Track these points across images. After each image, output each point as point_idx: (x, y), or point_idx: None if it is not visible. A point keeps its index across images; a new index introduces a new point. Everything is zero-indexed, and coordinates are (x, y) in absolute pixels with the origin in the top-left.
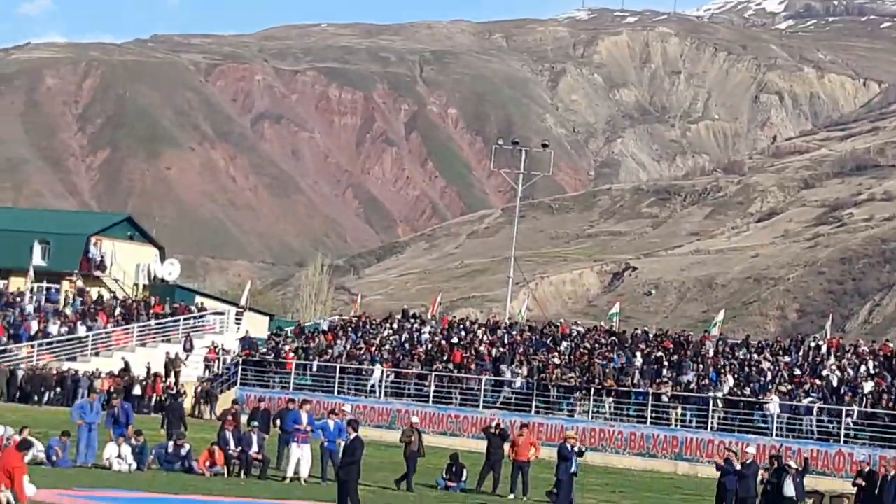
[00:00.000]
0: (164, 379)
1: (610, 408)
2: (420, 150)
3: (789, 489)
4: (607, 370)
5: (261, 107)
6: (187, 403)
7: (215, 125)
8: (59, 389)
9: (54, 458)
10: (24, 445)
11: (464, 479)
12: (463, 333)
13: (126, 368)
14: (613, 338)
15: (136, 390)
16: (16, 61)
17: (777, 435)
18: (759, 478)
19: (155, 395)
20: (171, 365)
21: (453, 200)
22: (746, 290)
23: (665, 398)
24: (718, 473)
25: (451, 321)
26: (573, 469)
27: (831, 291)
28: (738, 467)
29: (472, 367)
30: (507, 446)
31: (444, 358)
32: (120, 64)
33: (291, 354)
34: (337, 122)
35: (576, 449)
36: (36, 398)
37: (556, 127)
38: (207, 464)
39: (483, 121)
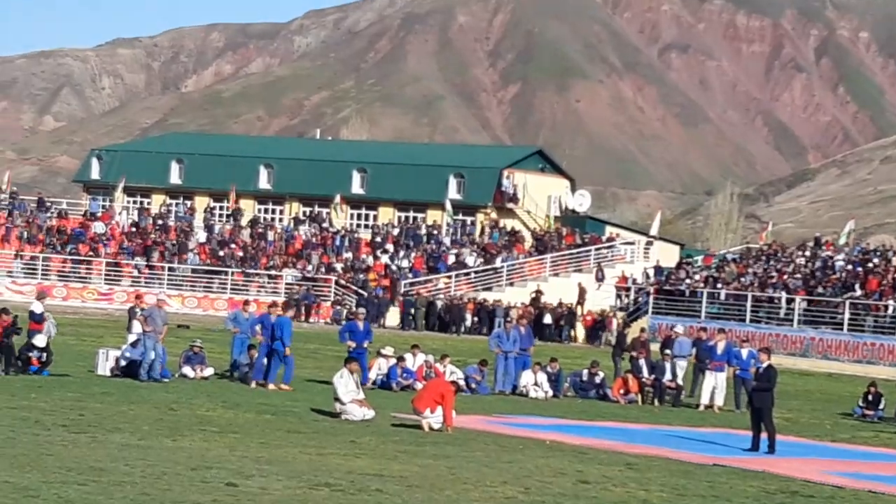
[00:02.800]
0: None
1: None
2: (831, 76)
3: None
4: None
5: (668, 37)
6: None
7: (623, 57)
8: (475, 319)
9: (473, 385)
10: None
11: (881, 407)
12: (877, 260)
13: (537, 298)
14: None
15: (547, 319)
16: (428, 1)
17: None
18: None
19: (565, 325)
20: (582, 294)
21: (866, 125)
22: None
23: None
24: None
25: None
26: None
27: None
28: None
29: (889, 294)
30: None
31: (859, 285)
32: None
33: (702, 283)
34: (745, 50)
35: None
36: (454, 327)
37: None
38: (622, 391)
39: None
